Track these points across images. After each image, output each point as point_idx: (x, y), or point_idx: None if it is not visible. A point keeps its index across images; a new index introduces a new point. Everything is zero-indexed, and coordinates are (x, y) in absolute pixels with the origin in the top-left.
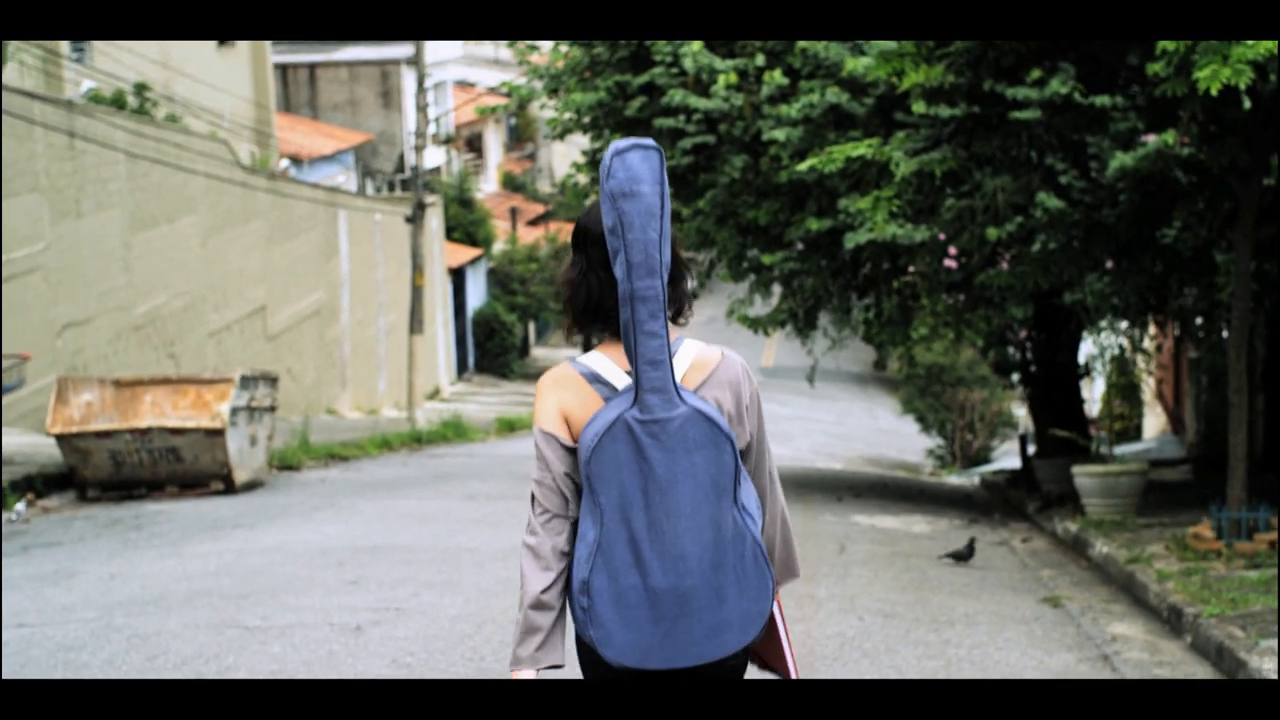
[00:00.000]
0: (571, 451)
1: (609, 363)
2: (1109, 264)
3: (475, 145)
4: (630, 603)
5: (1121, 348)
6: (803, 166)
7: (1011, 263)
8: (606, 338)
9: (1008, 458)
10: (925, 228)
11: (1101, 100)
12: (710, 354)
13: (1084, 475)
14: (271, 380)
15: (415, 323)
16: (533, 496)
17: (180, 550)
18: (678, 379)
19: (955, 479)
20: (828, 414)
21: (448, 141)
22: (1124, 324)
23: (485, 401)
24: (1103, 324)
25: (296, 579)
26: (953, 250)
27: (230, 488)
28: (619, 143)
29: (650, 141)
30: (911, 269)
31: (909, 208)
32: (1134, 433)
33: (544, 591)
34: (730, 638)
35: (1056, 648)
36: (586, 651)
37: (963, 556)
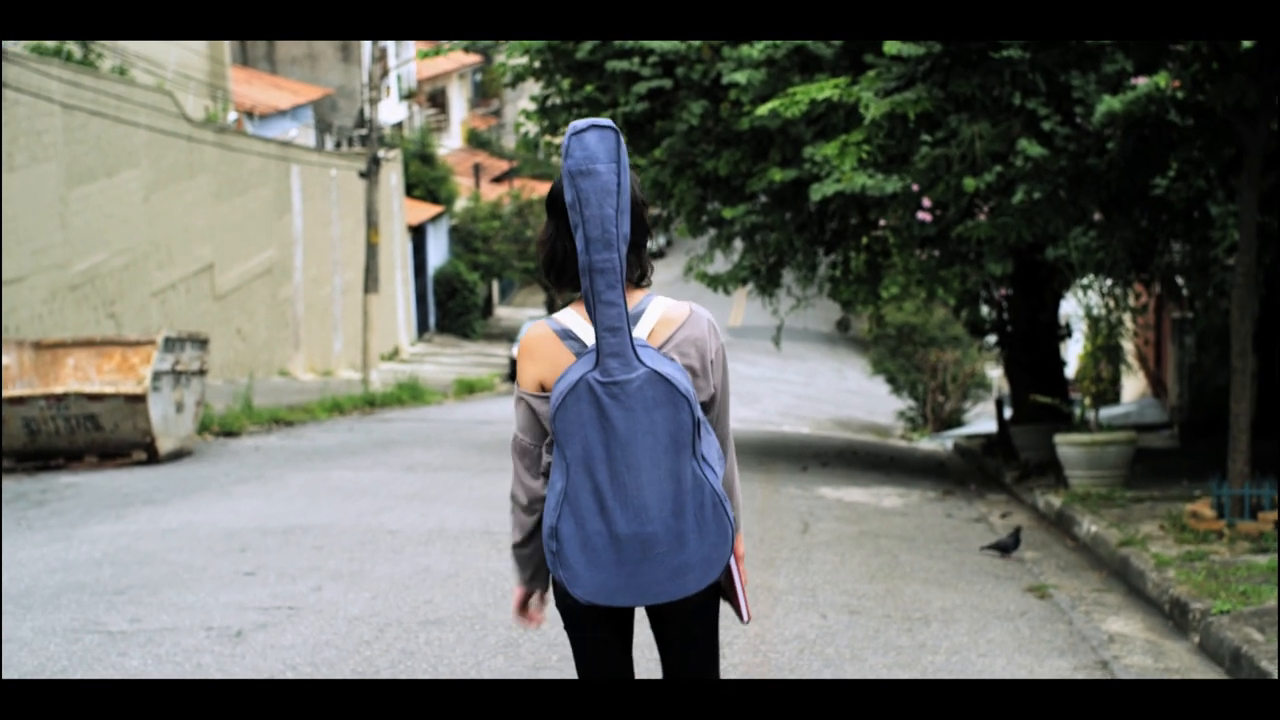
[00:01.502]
0: (546, 406)
1: (580, 320)
2: (1095, 216)
3: (439, 101)
4: (595, 546)
5: (1107, 307)
6: (763, 110)
7: (990, 215)
8: (578, 296)
9: (981, 420)
10: (897, 178)
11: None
12: (678, 310)
13: (1067, 445)
14: (200, 342)
15: (370, 281)
16: (515, 450)
17: (73, 533)
18: (644, 335)
19: (927, 443)
20: (796, 374)
21: (409, 96)
22: (1108, 282)
23: (445, 363)
24: (1084, 282)
25: (187, 569)
26: (927, 202)
27: (154, 457)
28: (577, 123)
29: (607, 122)
30: (882, 223)
31: (880, 154)
32: (1112, 395)
33: (521, 543)
34: (691, 579)
35: (1047, 651)
36: (558, 585)
37: (1007, 548)
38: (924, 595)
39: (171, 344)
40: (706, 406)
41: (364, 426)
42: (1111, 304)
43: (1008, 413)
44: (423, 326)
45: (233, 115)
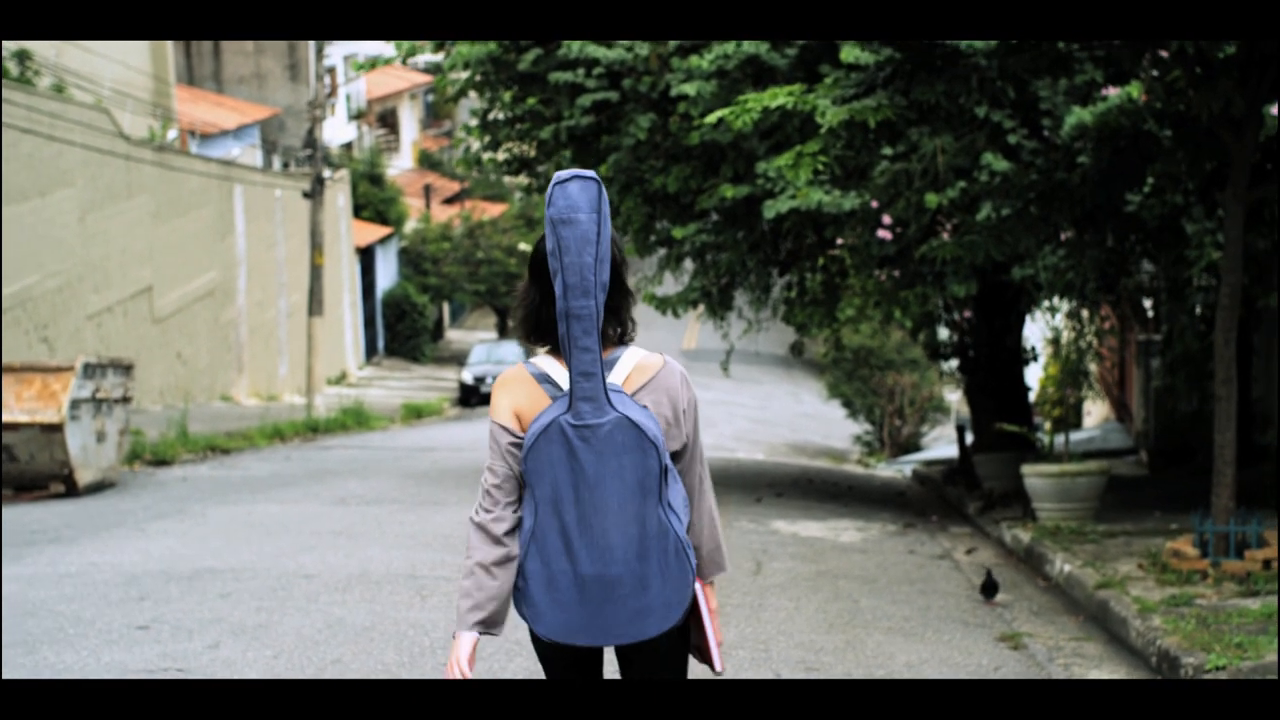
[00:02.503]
0: (519, 443)
1: (557, 366)
2: (1063, 235)
3: (389, 121)
4: (560, 586)
5: (1077, 329)
6: (711, 118)
7: (955, 233)
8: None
9: (939, 445)
10: (855, 194)
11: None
12: (652, 360)
13: (1036, 476)
14: (124, 368)
15: (315, 304)
16: (485, 479)
17: None
18: (619, 383)
19: (885, 469)
20: (751, 398)
21: (358, 116)
22: (1074, 303)
23: (394, 386)
24: (1050, 303)
25: (75, 623)
26: (886, 219)
27: (72, 490)
28: (561, 173)
29: (590, 173)
30: (839, 241)
31: (837, 166)
32: (1074, 419)
33: (492, 564)
34: (651, 623)
35: None
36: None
37: (990, 592)
38: (887, 648)
39: (91, 370)
40: (678, 455)
41: (302, 455)
42: (1079, 326)
43: (969, 438)
44: (371, 350)
45: (173, 134)
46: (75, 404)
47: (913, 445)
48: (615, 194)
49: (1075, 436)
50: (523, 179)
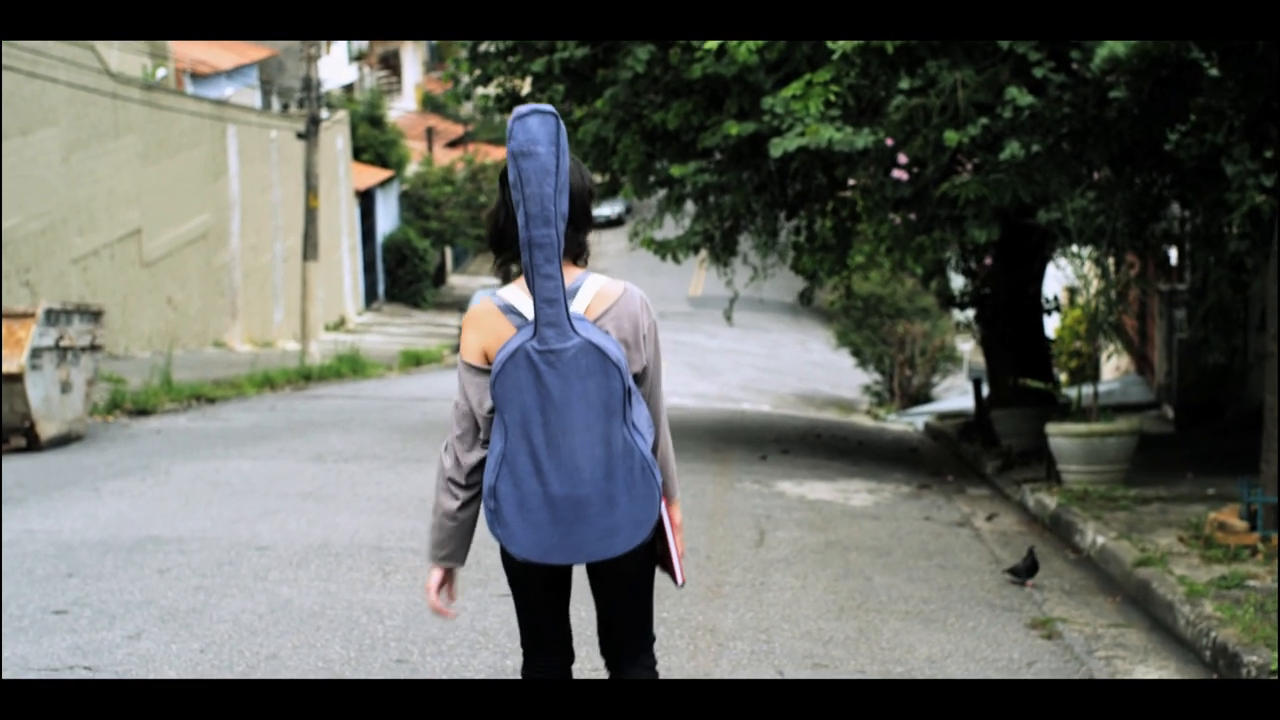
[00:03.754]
0: (486, 374)
1: (522, 295)
2: (1094, 175)
3: (391, 63)
4: (531, 506)
5: (1106, 278)
6: (712, 44)
7: (976, 172)
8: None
9: (951, 395)
10: (868, 131)
11: None
12: (613, 288)
13: (1062, 436)
14: (92, 314)
15: (310, 248)
16: (453, 418)
17: None
18: (580, 311)
19: (896, 422)
20: (758, 346)
21: (359, 58)
22: (1101, 250)
23: (393, 333)
24: (1076, 250)
25: None
26: (902, 159)
27: (34, 444)
28: (520, 108)
29: (549, 107)
30: (851, 182)
31: (851, 97)
32: (1091, 371)
33: (458, 509)
34: (620, 539)
35: None
36: (502, 547)
37: (1021, 574)
38: (905, 637)
39: (54, 316)
40: (639, 378)
41: (288, 405)
42: (1107, 274)
43: (984, 392)
44: (371, 295)
45: (163, 72)
46: (37, 352)
47: (923, 396)
48: (612, 130)
49: (1089, 389)
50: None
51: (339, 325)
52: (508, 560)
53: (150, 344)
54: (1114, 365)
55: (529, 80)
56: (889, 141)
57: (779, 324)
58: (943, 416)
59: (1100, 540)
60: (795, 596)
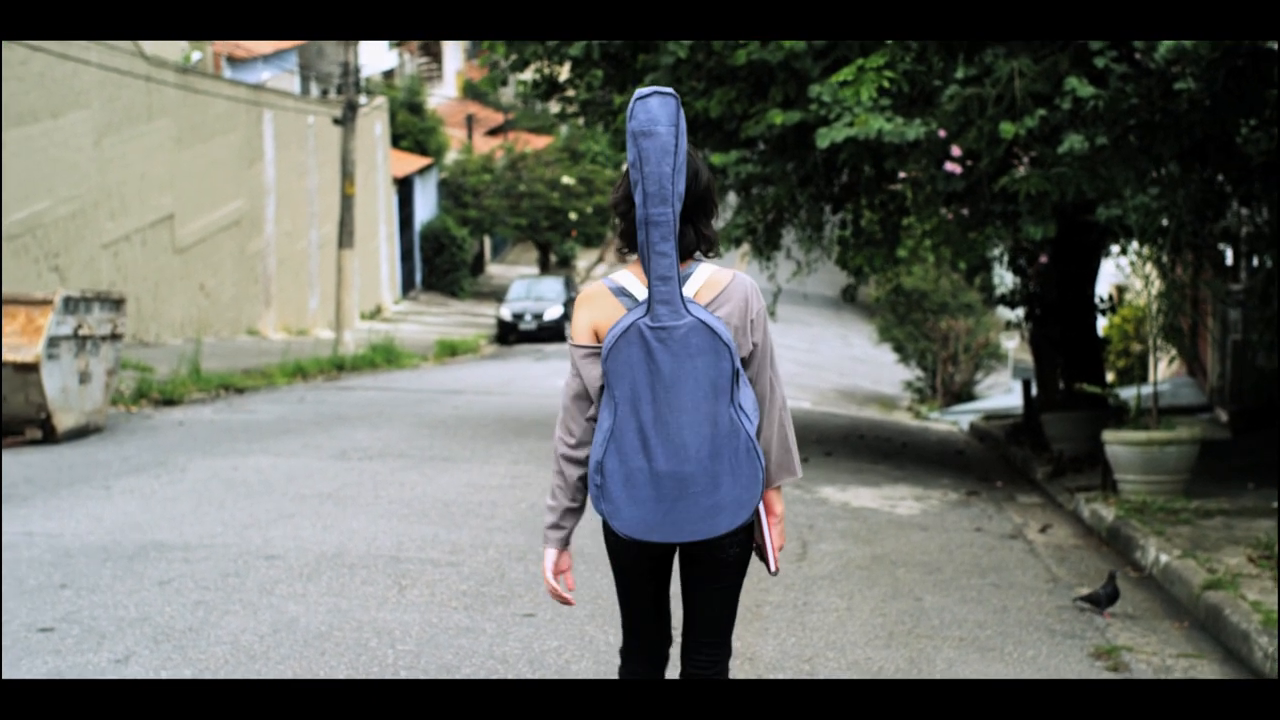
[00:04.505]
0: (596, 354)
1: (633, 278)
2: (1159, 171)
3: (432, 50)
4: (637, 483)
5: (1169, 277)
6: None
7: (1034, 166)
8: (635, 259)
9: (995, 393)
10: (920, 122)
11: None
12: (723, 274)
13: (1120, 444)
14: (113, 302)
15: (345, 236)
16: (566, 401)
17: None
18: (690, 294)
19: (939, 420)
20: (799, 340)
21: (399, 44)
22: (1163, 249)
23: (430, 322)
24: (1139, 249)
25: None
26: (955, 151)
27: (50, 436)
28: (642, 90)
29: (669, 90)
30: (901, 175)
31: (905, 83)
32: (1139, 372)
33: (575, 488)
34: (723, 519)
35: None
36: (605, 524)
37: (1101, 602)
38: (960, 668)
39: (73, 304)
40: (747, 362)
41: (318, 396)
42: (1170, 276)
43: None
44: (408, 284)
45: (198, 55)
46: (54, 341)
47: (966, 394)
48: None
49: (1144, 390)
50: (555, 105)
51: (375, 314)
52: (611, 541)
53: (182, 331)
54: (1163, 366)
55: (567, 66)
56: (941, 133)
57: (820, 318)
58: (989, 417)
59: (1164, 558)
60: (840, 620)
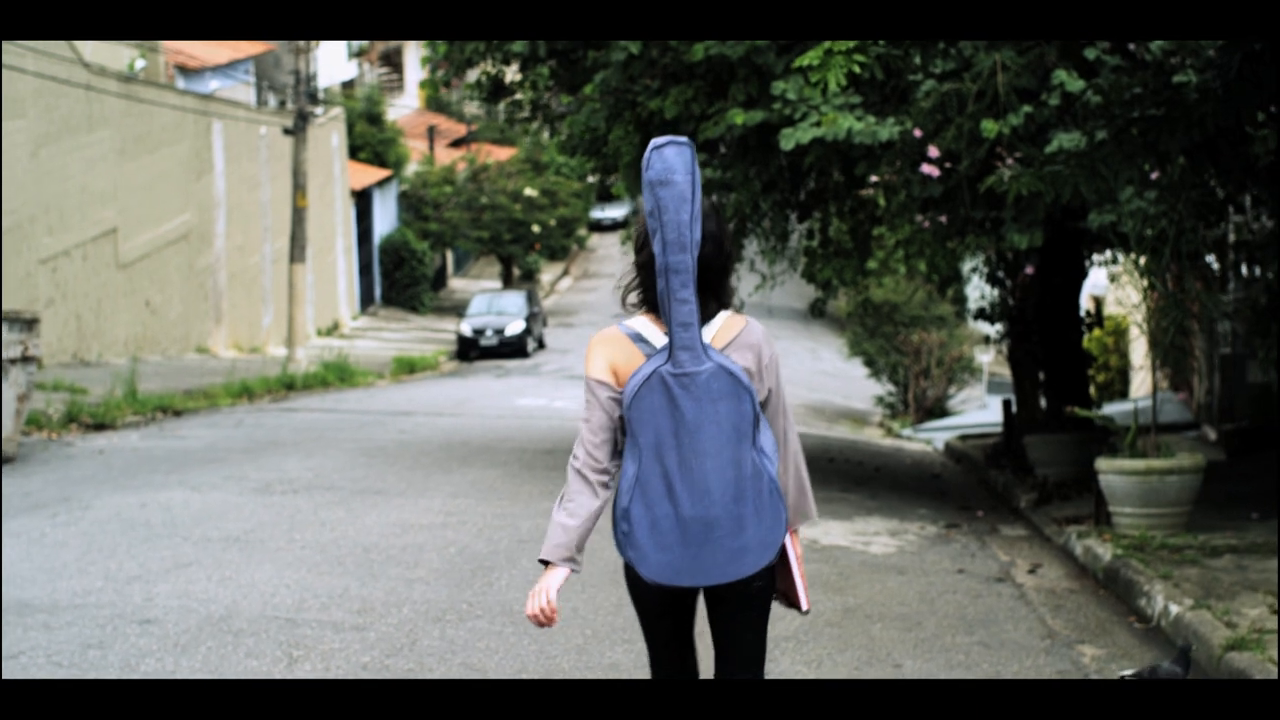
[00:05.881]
0: (616, 398)
1: (650, 325)
2: (1161, 170)
3: (393, 61)
4: (663, 529)
5: (1168, 290)
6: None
7: (1023, 166)
8: (646, 307)
9: (969, 408)
10: (893, 121)
11: None
12: (737, 321)
13: (1115, 474)
14: (25, 322)
15: (297, 250)
16: (583, 432)
17: None
18: (707, 340)
19: (913, 438)
20: None
21: (359, 54)
22: (1163, 259)
23: (389, 338)
24: (1135, 258)
25: None
26: (932, 152)
27: None
28: (658, 139)
29: (684, 139)
30: (873, 179)
31: (878, 69)
32: (1119, 387)
33: (593, 514)
34: (749, 561)
35: None
36: (628, 568)
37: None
38: None
39: None
40: (763, 404)
41: (258, 419)
42: (1166, 286)
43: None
44: (367, 299)
45: (141, 63)
46: None
47: (939, 409)
48: (602, 120)
49: (1122, 408)
50: (503, 109)
51: (333, 330)
52: (635, 587)
53: (126, 350)
54: (1143, 381)
55: (514, 62)
56: (917, 132)
57: (789, 331)
58: (965, 437)
59: (1174, 609)
60: None
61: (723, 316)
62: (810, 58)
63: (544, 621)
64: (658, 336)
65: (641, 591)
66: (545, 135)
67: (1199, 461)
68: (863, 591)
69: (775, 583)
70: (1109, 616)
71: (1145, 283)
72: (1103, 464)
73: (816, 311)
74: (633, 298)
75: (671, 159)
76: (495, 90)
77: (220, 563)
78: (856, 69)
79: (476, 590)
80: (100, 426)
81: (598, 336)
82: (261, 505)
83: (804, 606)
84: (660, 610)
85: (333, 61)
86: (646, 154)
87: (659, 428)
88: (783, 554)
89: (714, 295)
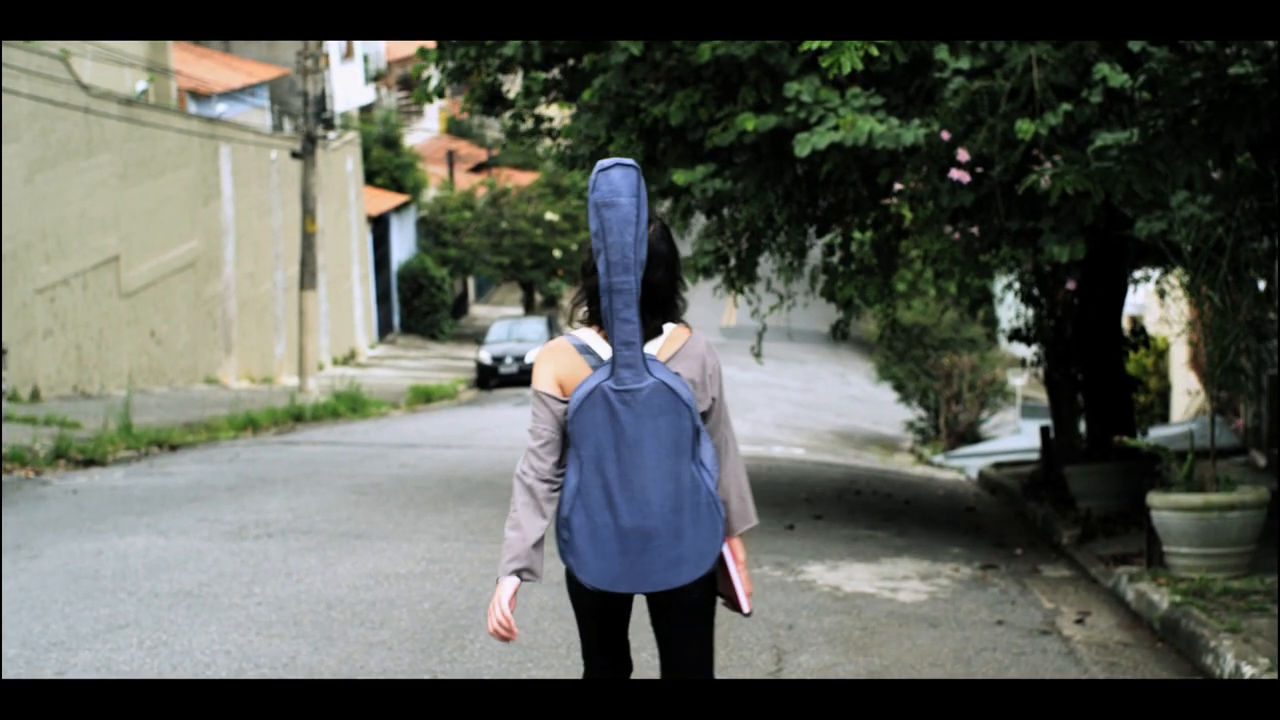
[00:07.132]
0: (563, 408)
1: (597, 338)
2: (1224, 166)
3: (411, 85)
4: (602, 538)
5: (1226, 307)
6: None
7: (1063, 163)
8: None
9: (1002, 433)
10: (919, 123)
11: None
12: (681, 333)
13: (1170, 510)
14: None
15: (307, 276)
16: (530, 442)
17: None
18: (654, 353)
19: (945, 465)
20: (794, 379)
21: (377, 78)
22: (1221, 270)
23: (407, 366)
24: (1192, 272)
25: None
26: (962, 156)
27: None
28: (604, 161)
29: (630, 161)
30: (898, 188)
31: (899, 51)
32: (1159, 410)
33: (536, 529)
34: (685, 570)
35: None
36: (568, 572)
37: None
38: None
39: None
40: (705, 415)
41: (255, 453)
42: (1225, 302)
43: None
44: (385, 327)
45: (142, 85)
46: None
47: (972, 435)
48: (602, 127)
49: (1164, 432)
50: (507, 120)
51: (349, 359)
52: (574, 590)
53: (130, 381)
54: (1183, 405)
55: (512, 68)
56: (945, 135)
57: (815, 356)
58: (999, 464)
59: (1248, 670)
60: None
61: (668, 329)
62: (820, 42)
63: (505, 635)
64: (603, 348)
65: (579, 595)
66: (547, 144)
67: (1263, 495)
68: (889, 650)
69: (717, 588)
70: (1166, 671)
71: (1200, 297)
72: (1155, 499)
73: (839, 334)
74: (580, 313)
75: (618, 181)
76: (491, 100)
77: (160, 623)
78: (874, 50)
79: (445, 656)
80: (90, 462)
81: (545, 348)
82: (228, 552)
83: (745, 609)
84: (596, 613)
85: (350, 86)
86: (593, 176)
87: (600, 441)
88: (722, 560)
89: (662, 313)
